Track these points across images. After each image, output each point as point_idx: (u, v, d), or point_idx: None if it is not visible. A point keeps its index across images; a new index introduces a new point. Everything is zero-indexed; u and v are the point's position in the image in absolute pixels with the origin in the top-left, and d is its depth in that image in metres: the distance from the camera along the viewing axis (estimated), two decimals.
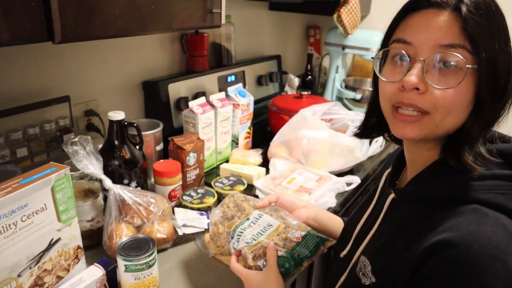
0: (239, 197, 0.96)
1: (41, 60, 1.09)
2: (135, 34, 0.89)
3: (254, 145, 1.61)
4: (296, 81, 2.05)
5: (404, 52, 0.59)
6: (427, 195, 0.62)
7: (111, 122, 1.04)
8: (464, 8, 0.55)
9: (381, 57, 0.65)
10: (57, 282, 0.82)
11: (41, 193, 0.75)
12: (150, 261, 0.83)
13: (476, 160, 0.58)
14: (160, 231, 0.99)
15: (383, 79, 0.63)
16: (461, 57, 0.55)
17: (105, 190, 0.98)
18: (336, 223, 0.95)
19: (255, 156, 1.45)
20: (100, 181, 0.97)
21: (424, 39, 0.58)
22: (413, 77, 0.57)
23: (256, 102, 1.84)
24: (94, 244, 1.00)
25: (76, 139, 0.90)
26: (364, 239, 0.72)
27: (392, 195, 0.69)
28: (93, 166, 0.93)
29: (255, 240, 0.84)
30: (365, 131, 0.77)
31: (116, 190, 0.96)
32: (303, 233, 0.84)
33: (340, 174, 1.38)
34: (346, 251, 0.78)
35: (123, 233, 0.94)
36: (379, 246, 0.67)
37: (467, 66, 0.56)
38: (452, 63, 0.56)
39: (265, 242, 0.82)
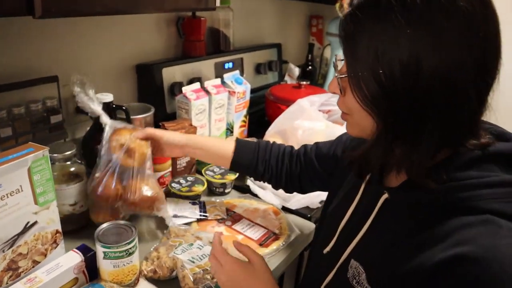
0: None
1: (29, 38, 1.06)
2: (125, 13, 0.86)
3: (250, 134, 1.57)
4: (296, 71, 2.01)
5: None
6: (432, 201, 0.57)
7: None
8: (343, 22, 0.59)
9: None
10: (33, 267, 0.79)
11: (17, 174, 0.72)
12: (130, 248, 0.81)
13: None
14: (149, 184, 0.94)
15: None
16: (335, 65, 0.64)
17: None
18: (222, 154, 0.98)
19: None
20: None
21: None
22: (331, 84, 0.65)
23: (254, 90, 1.80)
24: (76, 228, 0.97)
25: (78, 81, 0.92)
26: (352, 239, 0.67)
27: (385, 196, 0.64)
28: (92, 104, 0.93)
29: (198, 261, 0.85)
30: None
31: (113, 125, 0.94)
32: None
33: None
34: (329, 247, 0.73)
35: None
36: (375, 252, 0.62)
37: (335, 74, 0.62)
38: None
39: (205, 268, 0.84)
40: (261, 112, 1.75)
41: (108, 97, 1.01)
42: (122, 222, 0.85)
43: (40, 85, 1.06)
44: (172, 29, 1.44)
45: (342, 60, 0.64)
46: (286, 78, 2.03)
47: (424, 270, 0.52)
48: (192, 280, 0.80)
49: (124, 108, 1.06)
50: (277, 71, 1.91)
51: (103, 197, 0.90)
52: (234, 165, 0.98)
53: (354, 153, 0.71)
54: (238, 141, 0.99)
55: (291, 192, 1.04)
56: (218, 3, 1.04)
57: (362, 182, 0.73)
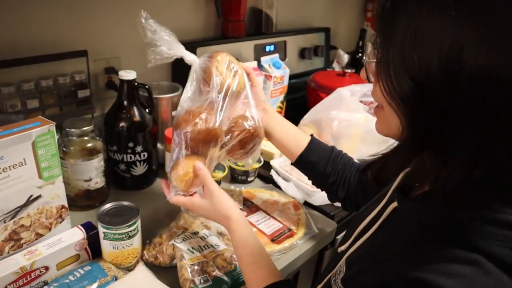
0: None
1: (60, 12, 1.06)
2: None
3: None
4: (345, 57, 1.90)
5: None
6: (431, 222, 0.50)
7: (122, 81, 0.99)
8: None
9: None
10: (36, 239, 0.80)
11: (20, 147, 0.72)
12: (131, 231, 0.79)
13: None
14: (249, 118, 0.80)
15: None
16: (368, 51, 0.53)
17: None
18: (296, 143, 0.89)
19: None
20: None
21: None
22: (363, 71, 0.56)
23: (297, 76, 1.73)
24: (91, 205, 0.98)
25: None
26: (357, 242, 0.64)
27: (395, 204, 0.58)
28: (175, 44, 0.77)
29: (198, 252, 0.81)
30: None
31: (203, 62, 0.77)
32: None
33: None
34: (344, 247, 0.70)
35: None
36: (360, 255, 0.58)
37: (364, 59, 0.54)
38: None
39: (205, 260, 0.80)
40: (303, 99, 1.67)
41: (131, 75, 0.99)
42: (126, 203, 0.83)
43: (69, 59, 1.07)
44: (211, 7, 1.40)
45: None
46: (334, 64, 1.93)
47: (391, 281, 0.47)
48: (189, 271, 0.77)
49: (147, 86, 1.03)
50: (323, 56, 1.81)
51: (208, 136, 0.75)
52: (301, 159, 0.88)
53: (374, 157, 0.64)
54: (313, 137, 0.91)
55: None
56: None
57: (390, 187, 0.66)
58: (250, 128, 0.79)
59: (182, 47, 0.77)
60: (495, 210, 0.44)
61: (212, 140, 0.76)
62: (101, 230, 0.78)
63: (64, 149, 0.92)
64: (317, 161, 0.88)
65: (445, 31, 0.42)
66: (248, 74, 0.83)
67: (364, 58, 0.55)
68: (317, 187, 0.95)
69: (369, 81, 0.55)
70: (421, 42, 0.43)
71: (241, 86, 0.80)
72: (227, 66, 0.78)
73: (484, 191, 0.46)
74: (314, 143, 0.89)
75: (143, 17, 0.75)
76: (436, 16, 0.43)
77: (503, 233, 0.42)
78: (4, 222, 0.73)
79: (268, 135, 0.88)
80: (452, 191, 0.46)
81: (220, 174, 1.09)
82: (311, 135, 0.92)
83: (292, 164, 0.92)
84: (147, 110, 1.04)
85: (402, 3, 0.46)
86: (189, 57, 0.79)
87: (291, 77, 1.62)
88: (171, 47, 0.76)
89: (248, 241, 0.74)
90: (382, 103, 0.53)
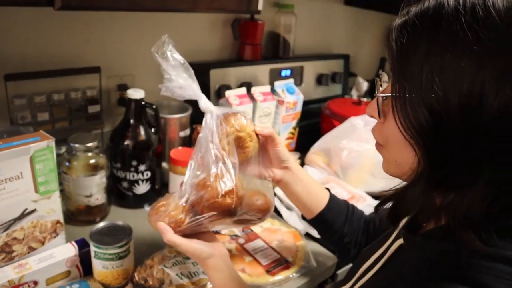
0: None
1: (76, 29, 1.08)
2: (152, 10, 0.84)
3: (299, 148, 1.49)
4: (364, 85, 1.87)
5: None
6: (439, 258, 0.49)
7: (130, 100, 1.01)
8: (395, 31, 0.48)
9: None
10: (28, 253, 0.80)
11: (17, 161, 0.73)
12: (121, 252, 0.78)
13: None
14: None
15: None
16: (378, 83, 0.54)
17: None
18: (315, 200, 0.84)
19: None
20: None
21: None
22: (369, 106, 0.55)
23: (313, 102, 1.71)
24: (91, 220, 0.98)
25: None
26: (360, 281, 0.63)
27: (400, 241, 0.58)
28: (192, 84, 0.70)
29: (187, 278, 0.79)
30: None
31: (218, 112, 0.72)
32: None
33: (378, 197, 1.21)
34: (346, 287, 0.68)
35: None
36: None
37: (375, 93, 0.52)
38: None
39: (193, 287, 0.79)
40: (318, 125, 1.65)
41: (139, 94, 1.00)
42: (120, 223, 0.83)
43: (82, 74, 1.09)
44: (227, 29, 1.41)
45: (387, 82, 0.55)
46: (353, 92, 1.90)
47: None
48: None
49: (154, 106, 1.04)
50: (341, 83, 1.79)
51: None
52: (320, 217, 0.84)
53: (388, 192, 0.62)
54: (331, 194, 0.87)
55: None
56: (260, 7, 0.98)
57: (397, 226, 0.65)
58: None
59: (197, 89, 0.71)
60: (503, 247, 0.43)
61: (226, 211, 0.69)
62: (92, 248, 0.78)
63: (67, 164, 0.93)
64: (335, 220, 0.85)
65: (464, 69, 0.41)
66: (269, 137, 0.77)
67: (375, 92, 0.53)
68: (330, 245, 0.92)
69: (379, 116, 0.52)
70: (438, 78, 0.43)
71: (249, 154, 0.75)
72: (235, 137, 0.71)
73: (499, 228, 0.45)
74: (333, 201, 0.85)
75: (163, 43, 0.70)
76: (454, 53, 0.42)
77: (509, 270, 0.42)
78: None
79: (288, 192, 0.85)
80: (471, 226, 0.45)
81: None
82: (328, 190, 0.88)
83: (307, 221, 0.88)
84: (153, 130, 1.05)
85: (418, 37, 0.45)
86: (205, 104, 0.71)
87: (308, 102, 1.61)
88: (184, 87, 0.70)
89: None
90: (387, 140, 0.52)
